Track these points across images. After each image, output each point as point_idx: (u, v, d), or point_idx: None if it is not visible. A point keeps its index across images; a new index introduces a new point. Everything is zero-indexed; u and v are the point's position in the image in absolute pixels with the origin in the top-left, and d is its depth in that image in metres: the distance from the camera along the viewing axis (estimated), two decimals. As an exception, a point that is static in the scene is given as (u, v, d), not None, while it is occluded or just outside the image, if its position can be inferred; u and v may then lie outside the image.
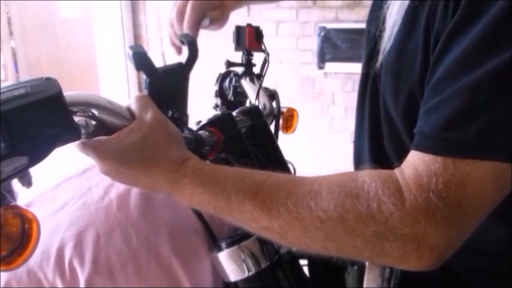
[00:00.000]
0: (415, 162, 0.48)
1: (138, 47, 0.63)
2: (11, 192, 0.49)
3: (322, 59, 2.91)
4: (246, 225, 0.54)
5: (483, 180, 0.45)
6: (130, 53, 0.62)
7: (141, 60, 0.63)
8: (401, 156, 0.51)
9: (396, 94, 0.61)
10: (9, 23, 3.30)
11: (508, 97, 0.45)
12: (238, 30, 0.88)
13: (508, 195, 0.48)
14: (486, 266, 0.68)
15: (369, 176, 0.50)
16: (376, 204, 0.47)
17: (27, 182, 0.51)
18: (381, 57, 0.64)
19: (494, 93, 0.45)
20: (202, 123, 0.68)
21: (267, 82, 0.89)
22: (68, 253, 0.64)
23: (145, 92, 0.64)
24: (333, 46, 2.86)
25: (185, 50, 0.71)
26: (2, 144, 0.44)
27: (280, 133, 0.90)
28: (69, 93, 0.51)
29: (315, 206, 0.49)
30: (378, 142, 0.70)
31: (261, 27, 0.89)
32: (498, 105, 0.45)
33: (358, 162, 0.78)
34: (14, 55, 3.33)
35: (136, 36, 3.36)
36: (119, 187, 0.70)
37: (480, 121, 0.45)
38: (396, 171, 0.50)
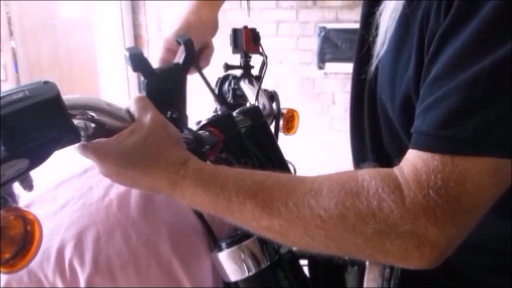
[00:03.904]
0: (414, 160, 0.48)
1: (135, 48, 0.64)
2: (12, 195, 0.49)
3: (322, 59, 2.91)
4: (247, 225, 0.54)
5: (482, 177, 0.46)
6: (127, 54, 0.62)
7: (137, 61, 0.63)
8: (402, 155, 0.51)
9: (392, 96, 0.62)
10: (9, 23, 3.30)
11: (504, 93, 0.45)
12: (235, 32, 0.88)
13: (508, 191, 0.48)
14: (486, 261, 0.68)
15: (369, 174, 0.50)
16: (376, 202, 0.47)
17: (28, 185, 0.51)
18: (375, 61, 0.65)
19: (490, 89, 0.46)
20: (202, 123, 0.68)
21: (267, 83, 0.89)
22: (68, 253, 0.64)
23: (143, 93, 0.64)
24: (333, 46, 2.86)
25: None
26: (2, 148, 0.44)
27: (280, 133, 0.90)
28: (68, 96, 0.51)
29: (315, 205, 0.49)
30: (379, 143, 0.70)
31: (257, 29, 0.89)
32: (495, 102, 0.45)
33: (358, 164, 0.78)
34: (14, 55, 3.33)
35: (137, 36, 3.35)
36: (119, 187, 0.70)
37: (477, 118, 0.46)
38: (395, 169, 0.50)
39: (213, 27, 0.84)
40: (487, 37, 0.47)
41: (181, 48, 0.71)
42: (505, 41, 0.45)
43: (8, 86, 3.24)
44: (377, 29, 0.64)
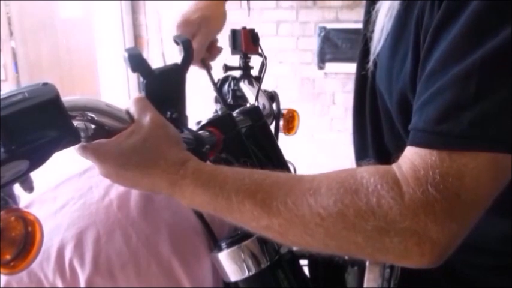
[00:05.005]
0: (412, 157, 0.48)
1: (134, 49, 0.64)
2: (12, 196, 0.49)
3: (322, 59, 2.91)
4: (247, 224, 0.54)
5: (480, 171, 0.45)
6: (126, 55, 0.62)
7: (136, 62, 0.63)
8: (402, 151, 0.51)
9: (390, 91, 0.62)
10: (9, 23, 3.30)
11: (498, 86, 0.45)
12: (234, 33, 0.89)
13: (508, 191, 0.48)
14: (486, 261, 0.68)
15: (367, 171, 0.50)
16: (375, 199, 0.47)
17: (28, 186, 0.51)
18: (372, 57, 0.65)
19: (483, 82, 0.45)
20: (202, 123, 0.68)
21: (267, 83, 0.89)
22: (68, 253, 0.64)
23: (143, 93, 0.64)
24: (333, 46, 2.86)
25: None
26: (2, 149, 0.44)
27: (281, 133, 0.91)
28: (67, 98, 0.51)
29: (314, 203, 0.49)
30: (380, 140, 0.71)
31: (256, 30, 0.89)
32: (488, 95, 0.45)
33: (360, 161, 0.78)
34: (14, 55, 3.34)
35: (137, 36, 3.35)
36: (119, 187, 0.70)
37: (471, 112, 0.45)
38: (394, 166, 0.50)
39: (224, 20, 0.87)
40: (477, 30, 0.47)
41: (180, 49, 0.71)
42: (495, 33, 0.45)
43: (8, 86, 3.23)
44: (374, 26, 0.64)
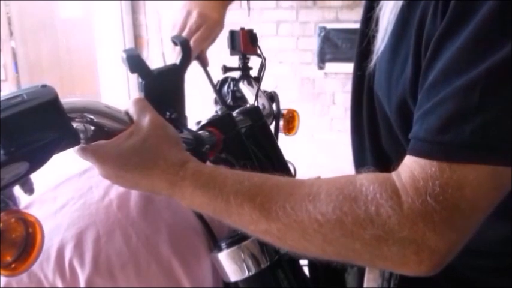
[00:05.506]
0: (411, 166, 0.48)
1: (132, 50, 0.64)
2: (12, 198, 0.49)
3: (322, 59, 2.91)
4: (245, 228, 0.54)
5: (480, 182, 0.45)
6: (124, 56, 0.63)
7: (135, 63, 0.63)
8: (400, 155, 0.51)
9: (389, 95, 0.61)
10: (9, 23, 3.30)
11: (501, 98, 0.45)
12: (232, 34, 0.89)
13: (508, 194, 0.48)
14: (486, 263, 0.68)
15: (367, 179, 0.50)
16: (374, 208, 0.47)
17: (28, 188, 0.51)
18: (374, 57, 0.64)
19: (487, 94, 0.45)
20: (202, 124, 0.68)
21: (267, 83, 0.89)
22: (68, 253, 0.64)
23: (142, 94, 0.64)
24: (333, 46, 2.86)
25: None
26: (2, 151, 0.44)
27: (281, 133, 0.90)
28: (66, 99, 0.51)
29: (313, 209, 0.49)
30: (378, 143, 0.70)
31: (255, 30, 0.89)
32: (491, 107, 0.45)
33: (358, 163, 0.78)
34: (14, 55, 3.34)
35: (137, 36, 3.35)
36: (119, 187, 0.70)
37: (474, 123, 0.45)
38: (393, 174, 0.50)
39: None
40: (483, 40, 0.46)
41: (178, 49, 0.71)
42: (501, 43, 0.45)
43: (8, 86, 3.24)
44: (377, 24, 0.63)
